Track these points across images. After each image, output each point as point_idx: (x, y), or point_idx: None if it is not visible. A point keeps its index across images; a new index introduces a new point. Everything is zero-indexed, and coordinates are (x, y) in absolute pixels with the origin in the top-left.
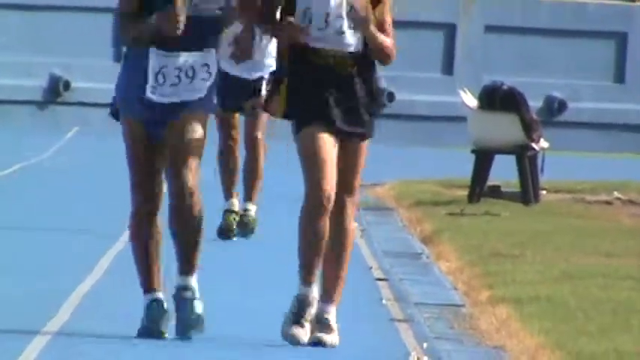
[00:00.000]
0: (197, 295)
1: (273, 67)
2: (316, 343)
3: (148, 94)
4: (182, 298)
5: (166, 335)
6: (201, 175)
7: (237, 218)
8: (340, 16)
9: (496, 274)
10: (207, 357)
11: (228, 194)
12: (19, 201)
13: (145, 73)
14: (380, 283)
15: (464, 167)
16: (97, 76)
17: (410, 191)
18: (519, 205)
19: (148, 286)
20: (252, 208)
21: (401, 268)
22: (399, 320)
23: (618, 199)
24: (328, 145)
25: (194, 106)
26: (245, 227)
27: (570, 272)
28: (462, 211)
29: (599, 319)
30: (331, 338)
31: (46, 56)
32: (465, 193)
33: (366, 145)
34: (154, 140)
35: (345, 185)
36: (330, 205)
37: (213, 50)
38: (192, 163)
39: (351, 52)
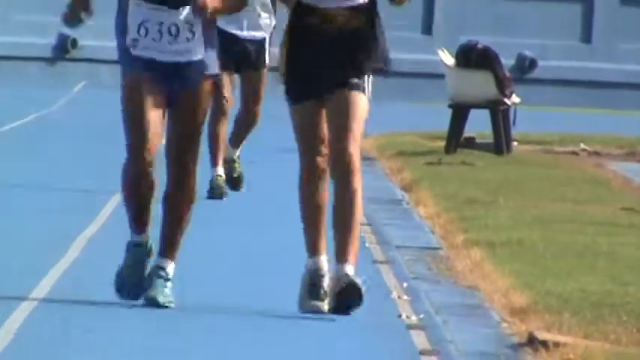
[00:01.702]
0: (170, 277)
1: (271, 28)
2: (341, 304)
3: (129, 48)
4: (157, 276)
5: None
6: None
7: (224, 178)
8: None
9: (471, 219)
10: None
11: (215, 162)
12: (32, 150)
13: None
14: (364, 227)
15: (442, 120)
16: (103, 35)
17: (391, 142)
18: (493, 155)
19: (136, 229)
20: (237, 156)
21: (383, 213)
22: (381, 262)
23: (584, 150)
24: (319, 119)
25: (197, 81)
26: (236, 183)
27: (539, 218)
28: (440, 160)
29: (565, 262)
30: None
31: (55, 16)
32: (442, 144)
33: (363, 97)
34: (160, 94)
35: (347, 133)
36: (324, 171)
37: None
38: (195, 148)
39: (358, 6)
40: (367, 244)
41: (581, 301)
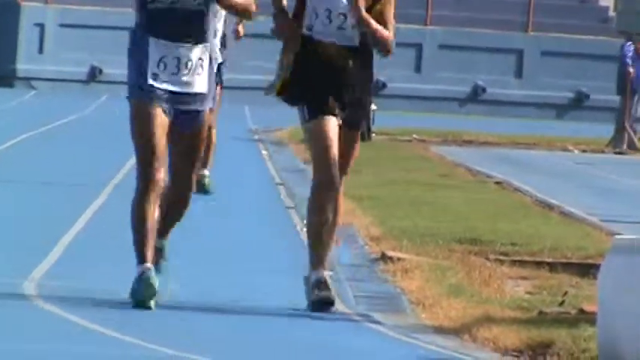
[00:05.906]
0: (167, 254)
1: (220, 60)
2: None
3: (150, 80)
4: (159, 256)
5: (152, 306)
6: None
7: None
8: (342, 14)
9: (347, 181)
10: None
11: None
12: (70, 141)
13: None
14: (279, 186)
15: None
16: (120, 65)
17: (298, 134)
18: (360, 142)
19: (142, 257)
20: (207, 173)
21: (291, 177)
22: (289, 207)
23: (415, 138)
24: (334, 135)
25: (201, 113)
26: (202, 188)
27: (387, 181)
28: None
29: (403, 208)
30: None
31: (88, 54)
32: None
33: (358, 135)
34: (165, 119)
35: (341, 168)
36: (337, 184)
37: (208, 45)
38: (196, 163)
39: (351, 46)
40: (282, 196)
41: (413, 233)
